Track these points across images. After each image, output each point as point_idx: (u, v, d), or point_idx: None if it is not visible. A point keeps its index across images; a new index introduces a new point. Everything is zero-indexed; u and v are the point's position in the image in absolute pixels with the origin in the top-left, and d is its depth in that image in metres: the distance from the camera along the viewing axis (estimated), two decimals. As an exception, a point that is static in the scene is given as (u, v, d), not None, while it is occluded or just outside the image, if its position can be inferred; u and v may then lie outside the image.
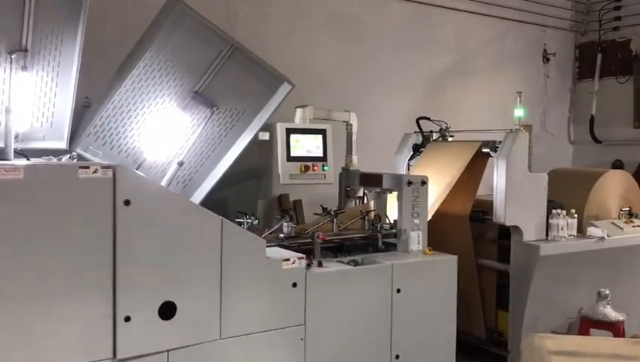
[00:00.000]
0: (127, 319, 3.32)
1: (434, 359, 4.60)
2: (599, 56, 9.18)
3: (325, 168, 4.58)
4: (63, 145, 4.21)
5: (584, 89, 9.47)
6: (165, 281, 3.45)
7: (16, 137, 3.99)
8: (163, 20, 4.07)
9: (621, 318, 5.20)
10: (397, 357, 4.39)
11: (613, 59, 9.09)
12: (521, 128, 5.25)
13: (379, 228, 4.77)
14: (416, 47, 7.69)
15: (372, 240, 4.84)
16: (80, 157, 4.19)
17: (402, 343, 4.40)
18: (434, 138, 6.09)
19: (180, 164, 4.40)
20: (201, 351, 3.59)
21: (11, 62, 3.77)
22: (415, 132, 6.16)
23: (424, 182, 4.81)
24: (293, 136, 4.47)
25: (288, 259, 3.90)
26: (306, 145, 4.53)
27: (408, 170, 6.08)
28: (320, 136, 4.58)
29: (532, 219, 5.28)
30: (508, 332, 5.44)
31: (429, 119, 6.08)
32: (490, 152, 5.38)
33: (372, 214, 4.87)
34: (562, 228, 5.37)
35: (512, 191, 5.13)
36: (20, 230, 3.05)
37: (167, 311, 3.46)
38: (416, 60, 7.69)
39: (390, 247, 4.80)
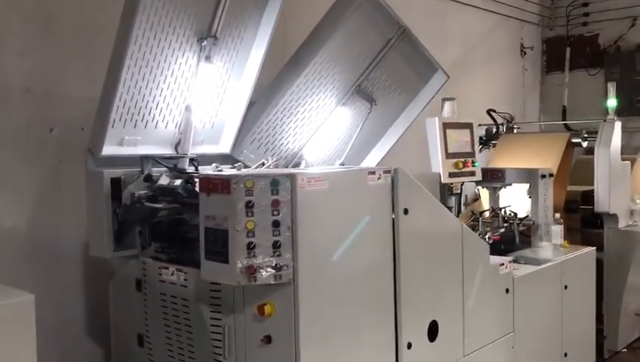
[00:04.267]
0: (409, 346, 2.88)
1: (587, 352, 4.55)
2: (568, 50, 9.64)
3: (475, 164, 4.31)
4: (220, 149, 3.62)
5: (552, 81, 9.91)
6: (431, 298, 3.04)
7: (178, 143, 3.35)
8: (344, 9, 3.56)
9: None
10: (565, 355, 4.27)
11: (582, 52, 9.59)
12: (615, 117, 5.34)
13: (517, 224, 4.60)
14: (433, 39, 7.60)
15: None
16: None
17: (569, 340, 4.29)
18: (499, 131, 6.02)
19: (342, 165, 3.93)
20: (451, 373, 3.22)
21: (200, 51, 3.13)
22: (479, 125, 6.05)
23: (552, 175, 4.74)
24: (448, 132, 4.16)
25: (503, 264, 3.62)
26: (458, 141, 4.24)
27: (476, 163, 5.95)
28: (468, 131, 4.31)
29: (624, 205, 5.41)
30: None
31: (494, 111, 6.02)
32: (582, 143, 5.43)
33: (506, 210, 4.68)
34: (641, 213, 5.57)
35: (613, 180, 5.21)
36: (323, 241, 2.52)
37: (433, 331, 3.05)
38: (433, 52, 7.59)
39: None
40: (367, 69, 3.89)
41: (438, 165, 4.12)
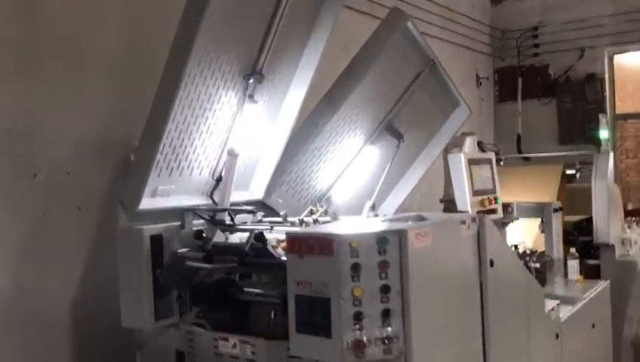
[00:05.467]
0: (497, 411, 2.61)
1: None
2: (520, 79, 9.83)
3: (498, 201, 4.15)
4: (251, 196, 3.29)
5: (505, 110, 10.06)
6: (509, 355, 2.79)
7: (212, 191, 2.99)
8: (382, 43, 3.32)
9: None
10: (595, 396, 4.14)
11: (533, 82, 9.79)
12: (609, 148, 5.35)
13: (534, 261, 4.45)
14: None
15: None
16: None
17: (597, 379, 4.17)
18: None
19: (373, 207, 3.66)
20: None
21: (245, 90, 2.80)
22: (467, 157, 5.94)
23: (561, 208, 4.67)
24: (472, 168, 3.98)
25: (552, 308, 3.44)
26: (481, 177, 4.06)
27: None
28: (488, 166, 4.15)
29: (618, 235, 5.40)
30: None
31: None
32: (576, 174, 5.41)
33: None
34: (636, 242, 5.58)
35: (611, 211, 5.19)
36: (431, 305, 2.23)
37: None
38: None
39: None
40: (397, 105, 3.66)
41: (466, 203, 3.93)
